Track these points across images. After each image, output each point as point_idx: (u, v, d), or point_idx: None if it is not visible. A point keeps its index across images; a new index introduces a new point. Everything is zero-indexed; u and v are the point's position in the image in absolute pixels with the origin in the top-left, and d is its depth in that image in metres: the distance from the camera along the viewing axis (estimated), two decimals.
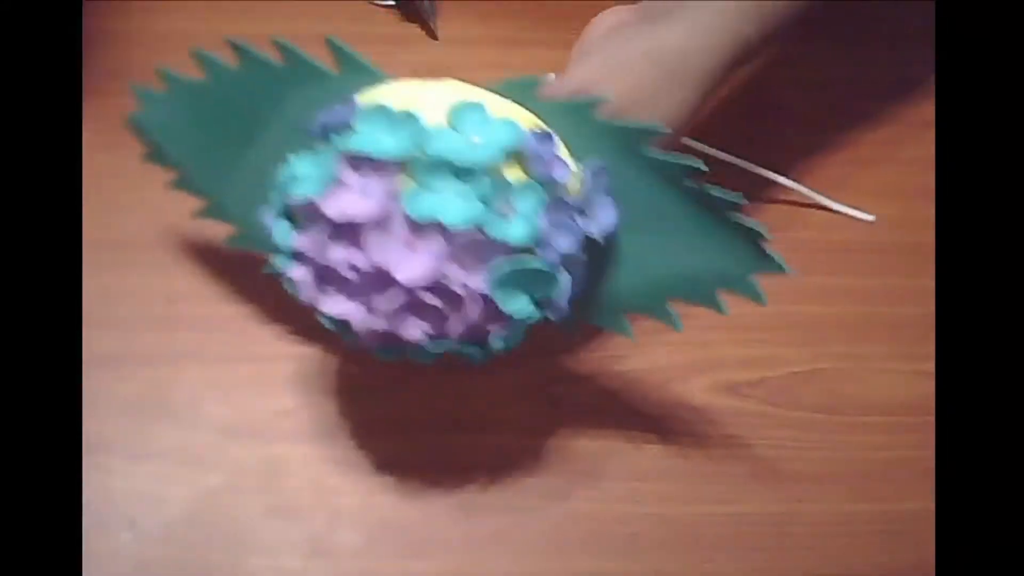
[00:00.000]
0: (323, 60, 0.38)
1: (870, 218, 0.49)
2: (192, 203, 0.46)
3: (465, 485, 0.42)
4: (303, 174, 0.35)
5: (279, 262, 0.36)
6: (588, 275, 0.37)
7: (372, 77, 0.37)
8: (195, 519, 0.40)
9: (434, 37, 0.54)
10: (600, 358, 0.45)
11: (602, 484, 0.42)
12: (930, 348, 0.44)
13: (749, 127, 0.52)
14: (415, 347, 0.36)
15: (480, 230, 0.33)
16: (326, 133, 0.35)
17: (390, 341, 0.36)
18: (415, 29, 0.54)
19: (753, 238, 0.36)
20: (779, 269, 0.36)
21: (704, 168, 0.37)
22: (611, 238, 0.38)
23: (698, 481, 0.42)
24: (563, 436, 0.43)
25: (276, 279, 0.37)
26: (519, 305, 0.35)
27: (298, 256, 0.36)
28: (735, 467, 0.43)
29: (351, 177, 0.34)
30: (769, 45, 0.43)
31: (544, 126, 0.36)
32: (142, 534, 0.40)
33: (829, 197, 0.49)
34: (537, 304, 0.35)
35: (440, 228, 0.33)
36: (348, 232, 0.34)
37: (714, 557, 0.41)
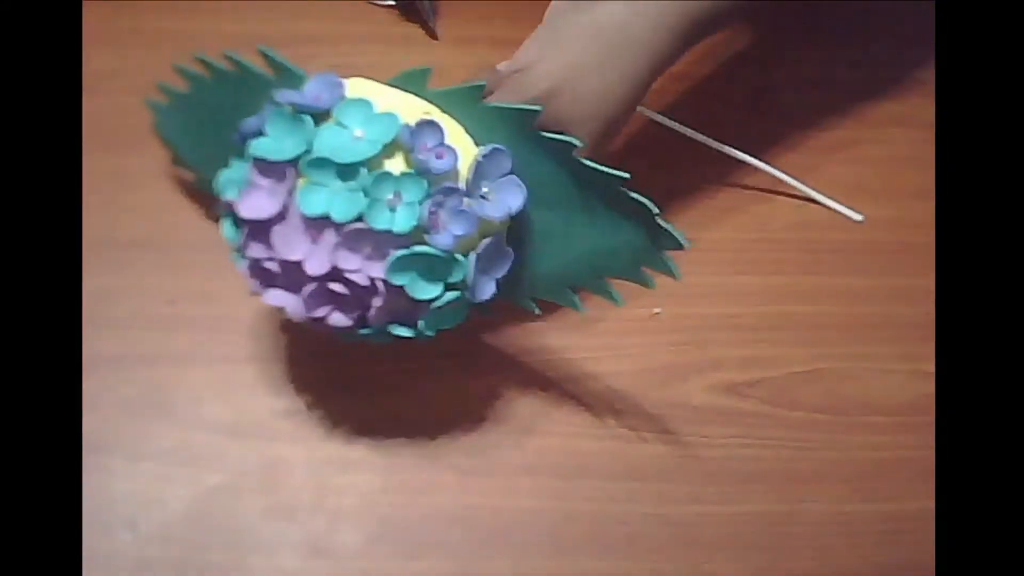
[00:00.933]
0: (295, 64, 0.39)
1: (859, 217, 0.49)
2: (192, 204, 0.46)
3: (465, 485, 0.42)
4: (230, 178, 0.38)
5: (233, 259, 0.39)
6: (517, 255, 0.39)
7: (299, 79, 0.38)
8: (195, 519, 0.40)
9: (434, 37, 0.54)
10: (600, 358, 0.45)
11: (601, 484, 0.42)
12: (930, 348, 0.44)
13: (749, 126, 0.52)
14: (352, 331, 0.38)
15: (365, 222, 0.35)
16: (244, 140, 0.38)
17: (329, 327, 0.38)
18: (415, 29, 0.54)
19: (644, 213, 0.37)
20: (676, 245, 0.37)
21: (579, 143, 0.37)
22: (527, 217, 0.39)
23: (698, 481, 0.42)
24: (563, 436, 0.43)
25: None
26: (427, 290, 0.36)
27: (241, 252, 0.38)
28: (735, 467, 0.43)
29: (260, 179, 0.37)
30: (725, 21, 0.43)
31: (433, 114, 0.38)
32: (142, 534, 0.40)
33: (816, 190, 0.49)
34: (454, 287, 0.37)
35: (331, 222, 0.36)
36: (261, 230, 0.37)
37: (714, 557, 0.41)
